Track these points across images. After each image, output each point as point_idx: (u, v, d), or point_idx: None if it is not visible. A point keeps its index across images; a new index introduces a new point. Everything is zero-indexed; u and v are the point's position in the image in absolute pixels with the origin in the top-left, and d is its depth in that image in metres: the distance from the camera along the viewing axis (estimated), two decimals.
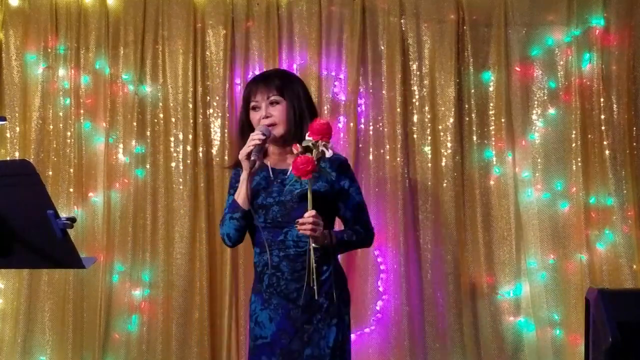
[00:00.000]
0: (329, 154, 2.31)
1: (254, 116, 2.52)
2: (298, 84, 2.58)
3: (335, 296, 2.45)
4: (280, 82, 2.52)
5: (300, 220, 2.34)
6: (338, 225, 2.68)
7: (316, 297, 2.39)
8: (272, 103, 2.50)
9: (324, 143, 2.29)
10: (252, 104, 2.53)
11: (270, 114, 2.49)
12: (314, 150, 2.29)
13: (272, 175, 2.50)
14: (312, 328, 2.41)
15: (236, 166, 2.56)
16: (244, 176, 2.45)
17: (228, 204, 2.54)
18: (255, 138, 2.40)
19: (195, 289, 3.98)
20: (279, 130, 2.47)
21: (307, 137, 2.32)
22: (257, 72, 4.04)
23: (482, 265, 3.97)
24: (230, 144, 3.99)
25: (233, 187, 2.56)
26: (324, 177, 2.43)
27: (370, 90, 4.05)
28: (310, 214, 2.32)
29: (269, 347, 2.45)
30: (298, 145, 2.33)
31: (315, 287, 2.37)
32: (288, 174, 2.47)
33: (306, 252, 2.39)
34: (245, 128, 2.54)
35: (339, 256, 2.66)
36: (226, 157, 3.99)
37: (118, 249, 4.02)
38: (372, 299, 3.97)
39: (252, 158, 2.39)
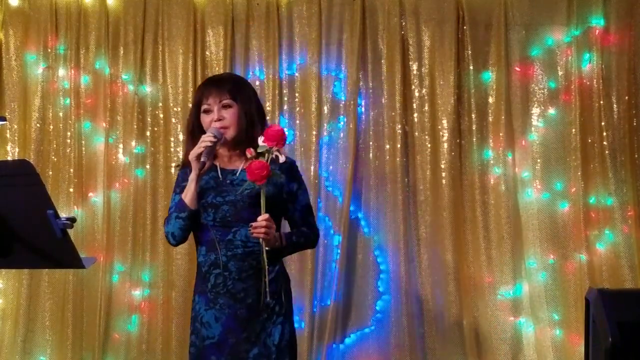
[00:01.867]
0: (282, 159, 2.35)
1: (205, 119, 2.52)
2: (249, 89, 2.61)
3: (282, 296, 2.49)
4: (233, 86, 2.54)
5: (254, 224, 2.36)
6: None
7: (267, 299, 2.42)
8: (224, 106, 2.51)
9: (277, 149, 2.33)
10: (204, 106, 2.53)
11: (222, 116, 2.50)
12: (267, 155, 2.33)
13: (220, 176, 2.51)
14: (259, 327, 2.43)
15: (184, 167, 2.57)
16: (192, 176, 2.45)
17: (174, 202, 2.53)
18: (206, 140, 2.42)
19: None
20: (230, 133, 2.48)
21: (261, 143, 2.35)
22: (257, 72, 4.05)
23: (482, 265, 3.97)
24: None
25: (179, 186, 2.55)
26: (273, 180, 2.43)
27: (370, 90, 4.05)
28: (263, 217, 2.34)
29: (217, 347, 2.45)
30: (252, 150, 2.35)
31: (267, 290, 2.40)
32: (237, 174, 2.49)
33: (253, 252, 2.42)
34: (196, 130, 2.54)
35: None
36: None
37: (118, 249, 4.03)
38: (372, 299, 3.97)
39: (202, 159, 2.40)
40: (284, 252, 2.51)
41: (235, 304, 2.43)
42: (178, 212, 2.47)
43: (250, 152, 2.36)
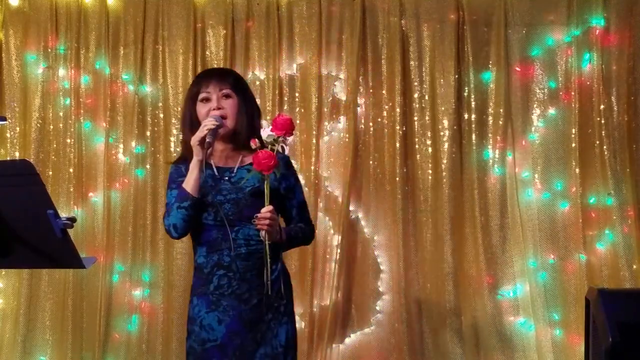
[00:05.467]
0: (286, 150, 2.34)
1: (202, 108, 2.45)
2: (248, 88, 2.58)
3: (285, 294, 2.45)
4: (235, 79, 2.52)
5: (259, 215, 2.31)
6: None
7: (269, 293, 2.38)
8: (224, 96, 2.45)
9: (282, 139, 2.30)
10: (202, 95, 2.45)
11: (222, 105, 2.43)
12: (274, 146, 2.29)
13: (217, 173, 2.44)
14: (265, 327, 2.39)
15: (177, 162, 2.51)
16: (194, 163, 2.36)
17: (173, 195, 2.43)
18: (208, 123, 2.35)
19: None
20: (229, 124, 2.42)
21: (269, 132, 2.32)
22: (257, 72, 4.05)
23: (482, 265, 3.97)
24: None
25: (175, 181, 2.46)
26: (275, 173, 2.38)
27: (370, 90, 4.05)
28: (267, 209, 2.30)
29: (220, 349, 2.38)
30: (257, 140, 2.32)
31: (268, 283, 2.37)
32: (234, 171, 2.43)
33: (257, 250, 2.38)
34: (194, 122, 2.46)
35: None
36: None
37: (118, 249, 4.03)
38: (372, 299, 3.97)
39: (208, 140, 2.33)
40: (283, 248, 2.48)
41: (240, 304, 2.38)
42: (180, 202, 2.38)
43: (254, 142, 2.31)
